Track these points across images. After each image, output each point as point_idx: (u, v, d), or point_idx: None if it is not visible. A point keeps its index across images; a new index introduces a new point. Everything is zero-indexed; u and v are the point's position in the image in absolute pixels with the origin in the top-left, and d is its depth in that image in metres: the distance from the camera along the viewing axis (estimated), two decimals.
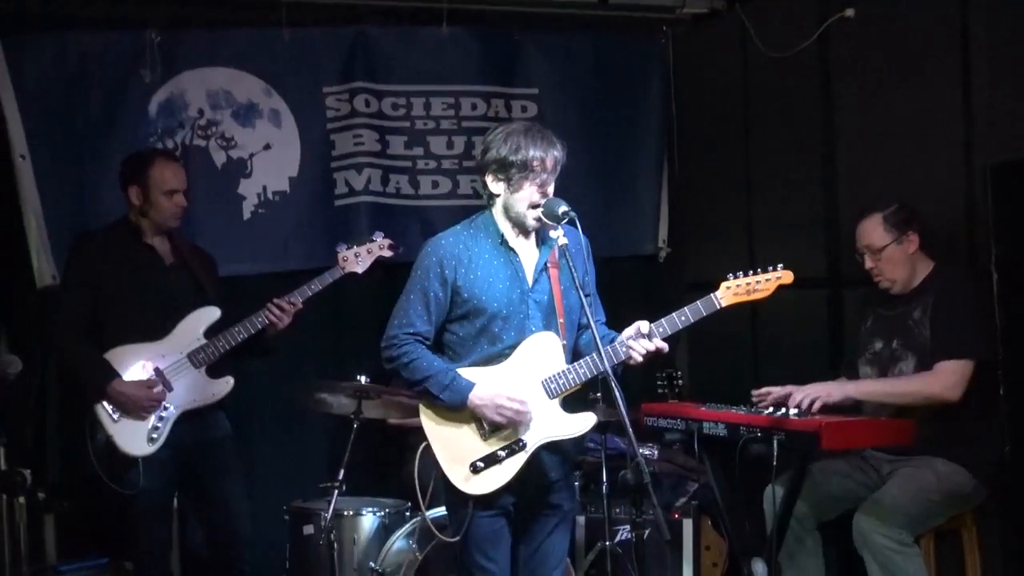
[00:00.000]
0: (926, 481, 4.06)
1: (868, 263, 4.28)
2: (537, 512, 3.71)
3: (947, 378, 4.04)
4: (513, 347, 3.60)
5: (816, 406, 4.05)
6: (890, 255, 4.23)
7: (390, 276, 5.26)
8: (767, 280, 3.67)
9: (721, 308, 3.63)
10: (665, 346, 3.58)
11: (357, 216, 5.55)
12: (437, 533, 3.74)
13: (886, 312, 4.33)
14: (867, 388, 4.20)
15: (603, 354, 3.44)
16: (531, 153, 3.55)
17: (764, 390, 4.21)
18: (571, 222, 3.55)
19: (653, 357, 3.58)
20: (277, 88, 5.48)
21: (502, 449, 3.58)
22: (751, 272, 3.67)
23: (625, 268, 5.87)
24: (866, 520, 4.01)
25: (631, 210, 5.97)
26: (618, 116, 5.93)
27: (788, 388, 4.16)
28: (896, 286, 4.27)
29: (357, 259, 4.64)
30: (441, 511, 3.93)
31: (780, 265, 3.69)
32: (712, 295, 3.63)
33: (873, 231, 4.24)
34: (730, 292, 3.65)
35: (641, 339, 3.54)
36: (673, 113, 6.02)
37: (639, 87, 5.97)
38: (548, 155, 3.57)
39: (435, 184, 5.70)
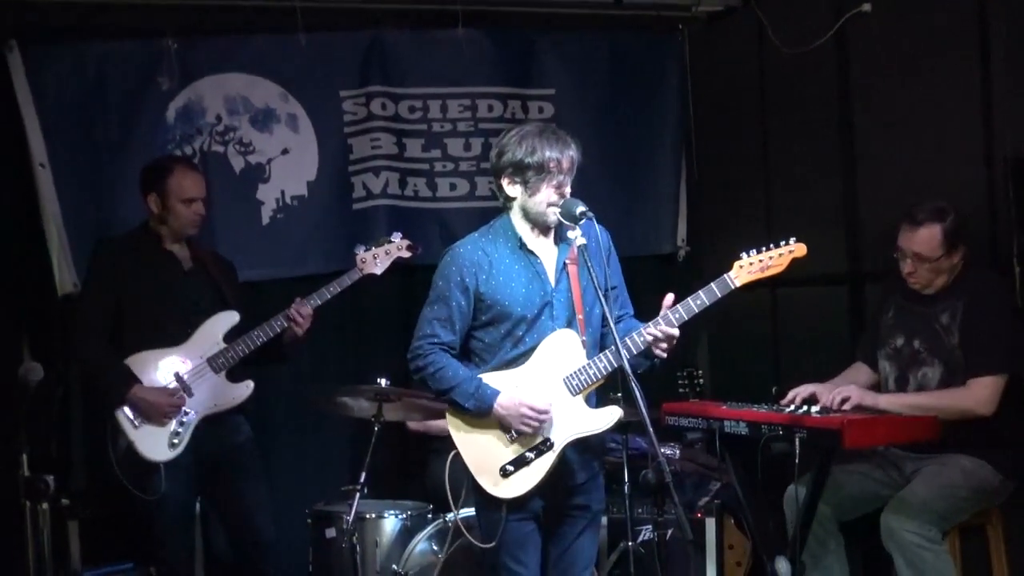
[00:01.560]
0: (953, 477, 4.03)
1: (908, 268, 4.16)
2: (566, 513, 3.70)
3: (981, 394, 3.99)
4: (534, 348, 3.60)
5: (847, 406, 4.01)
6: (938, 266, 4.13)
7: (410, 279, 5.29)
8: (780, 255, 3.62)
9: (736, 288, 3.59)
10: (675, 330, 3.54)
11: (375, 219, 5.55)
12: (469, 537, 3.73)
13: (910, 306, 4.28)
14: (899, 402, 4.09)
15: (620, 346, 3.42)
16: (547, 154, 3.54)
17: (791, 394, 4.16)
18: (589, 220, 3.53)
19: (671, 344, 3.56)
20: (294, 93, 5.49)
21: (530, 450, 3.58)
22: (764, 248, 3.63)
23: (644, 267, 5.84)
24: (894, 518, 3.98)
25: (649, 210, 5.95)
26: (635, 115, 5.91)
27: (815, 387, 4.13)
28: (929, 290, 4.20)
29: (375, 260, 4.65)
30: (466, 512, 3.93)
31: (793, 239, 3.64)
32: (726, 275, 3.59)
33: (929, 242, 4.10)
34: (744, 270, 3.60)
35: (656, 326, 3.53)
36: (690, 112, 6.00)
37: (655, 86, 5.95)
38: (564, 156, 3.56)
39: (453, 186, 5.70)
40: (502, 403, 3.54)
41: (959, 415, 4.00)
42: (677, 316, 3.57)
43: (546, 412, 3.55)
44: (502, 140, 3.63)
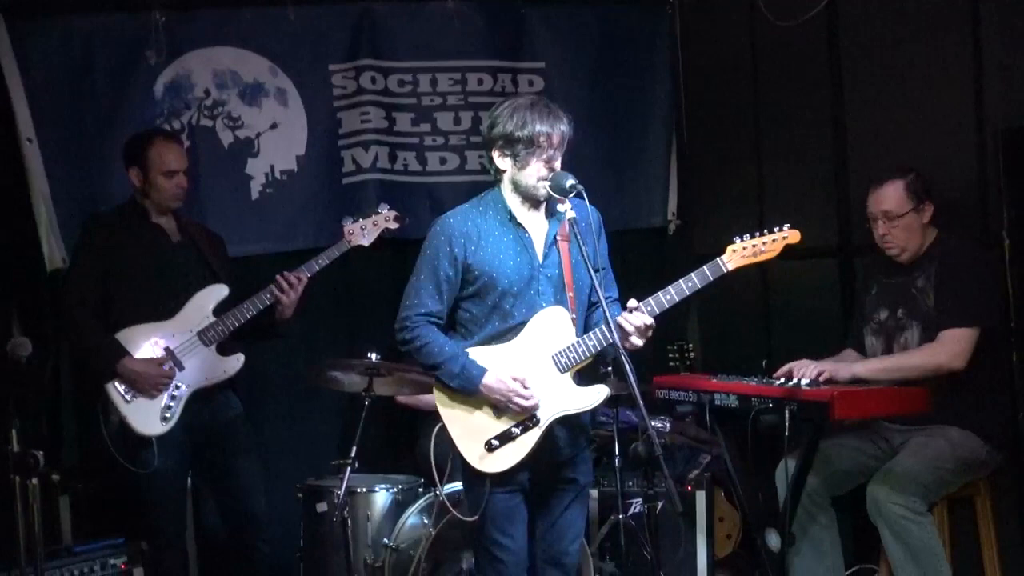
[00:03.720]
0: (939, 449, 4.05)
1: (881, 229, 4.24)
2: (553, 487, 3.72)
3: (952, 347, 4.01)
4: (524, 323, 3.60)
5: (823, 377, 4.03)
6: (908, 223, 4.19)
7: (400, 253, 5.29)
8: (773, 240, 3.65)
9: (728, 272, 3.61)
10: (651, 320, 3.53)
11: (365, 193, 5.53)
12: (455, 512, 3.75)
13: (889, 280, 4.31)
14: (873, 367, 4.14)
15: (612, 325, 3.42)
16: (538, 128, 3.53)
17: (784, 369, 4.18)
18: (579, 195, 3.53)
19: (646, 333, 3.54)
20: (283, 67, 5.46)
21: (516, 426, 3.58)
22: (757, 233, 3.65)
23: (635, 241, 5.86)
24: (880, 490, 4.00)
25: (640, 183, 5.94)
26: (626, 88, 5.89)
27: (795, 365, 4.15)
28: (905, 255, 4.24)
29: (363, 232, 4.64)
30: (455, 486, 3.94)
31: (787, 225, 3.66)
32: (719, 259, 3.61)
33: (894, 197, 4.20)
34: (736, 255, 3.63)
35: (629, 314, 3.52)
36: (681, 84, 5.99)
37: (646, 59, 5.93)
38: (555, 130, 3.55)
39: (443, 160, 5.69)
40: (488, 383, 3.55)
41: (932, 371, 4.02)
42: (668, 298, 3.57)
43: (533, 396, 3.55)
44: (494, 112, 3.62)
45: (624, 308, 3.59)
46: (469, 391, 3.57)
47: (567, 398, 3.61)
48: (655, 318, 3.56)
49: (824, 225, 5.08)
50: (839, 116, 5.06)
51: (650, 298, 3.58)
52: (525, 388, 3.54)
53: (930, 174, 4.25)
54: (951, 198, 4.29)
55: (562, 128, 3.57)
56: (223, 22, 5.40)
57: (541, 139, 3.54)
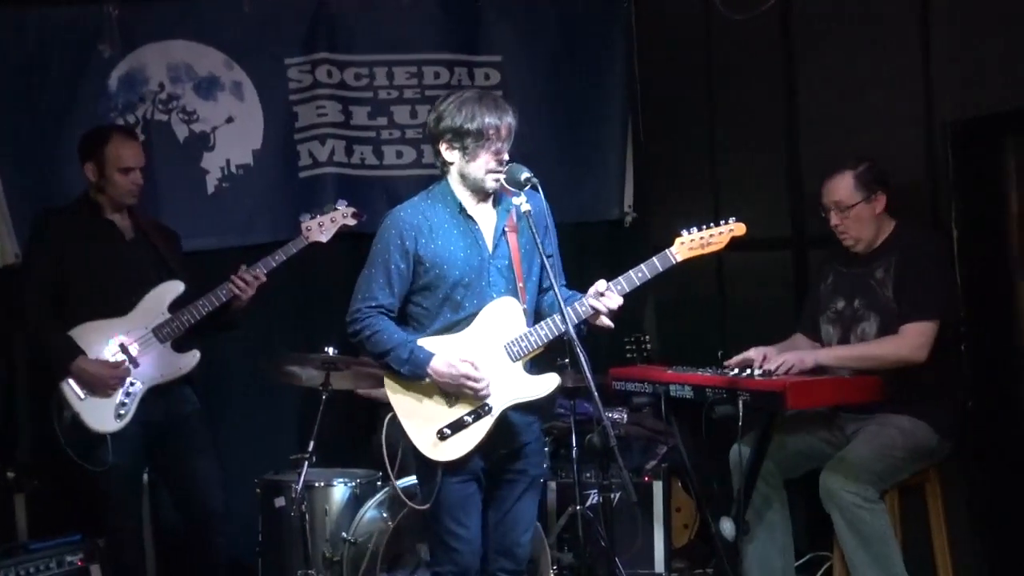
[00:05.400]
0: (891, 438, 4.10)
1: (834, 220, 4.29)
2: (505, 477, 3.73)
3: (914, 340, 4.06)
4: (475, 314, 3.61)
5: (791, 370, 4.06)
6: (858, 213, 4.24)
7: (357, 247, 5.24)
8: (720, 233, 3.72)
9: (677, 263, 3.66)
10: (620, 300, 3.58)
11: (322, 187, 5.53)
12: (407, 501, 3.76)
13: (847, 270, 4.36)
14: (837, 354, 4.20)
15: (565, 314, 3.44)
16: (486, 121, 3.54)
17: (737, 358, 4.22)
18: (533, 187, 3.54)
19: (616, 315, 3.59)
20: (238, 60, 5.44)
21: (469, 414, 3.60)
22: (705, 226, 3.70)
23: (591, 233, 5.89)
24: (832, 478, 4.05)
25: (596, 175, 5.97)
26: (582, 82, 5.92)
27: (755, 352, 4.18)
28: (860, 245, 4.29)
29: (321, 228, 4.63)
30: (411, 480, 3.94)
31: (732, 218, 3.72)
32: (667, 250, 3.67)
33: (843, 188, 4.25)
34: (684, 247, 3.68)
35: (600, 297, 3.56)
36: (637, 78, 6.02)
37: (602, 52, 5.95)
38: (503, 122, 3.57)
39: (399, 154, 5.69)
40: (436, 368, 3.55)
41: (893, 363, 4.07)
42: (619, 288, 3.60)
43: (483, 380, 3.55)
44: (441, 106, 3.63)
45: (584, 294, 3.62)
46: (418, 376, 3.58)
47: (520, 387, 3.63)
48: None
49: (777, 217, 5.13)
50: (792, 109, 5.11)
51: (619, 277, 3.61)
52: (475, 370, 3.55)
53: (881, 166, 4.31)
54: (901, 190, 4.34)
55: (509, 120, 3.59)
56: (178, 15, 5.38)
57: (490, 131, 3.55)
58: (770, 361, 4.11)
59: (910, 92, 4.47)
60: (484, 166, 3.58)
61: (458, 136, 3.57)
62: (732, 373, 4.08)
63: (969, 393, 4.25)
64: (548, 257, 3.60)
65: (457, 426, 3.59)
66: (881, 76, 4.62)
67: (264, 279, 4.53)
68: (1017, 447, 4.29)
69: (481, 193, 3.65)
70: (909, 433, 4.10)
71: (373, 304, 3.61)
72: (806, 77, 5.05)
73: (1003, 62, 4.13)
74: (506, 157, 3.60)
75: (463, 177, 3.64)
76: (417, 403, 3.64)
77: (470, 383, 3.55)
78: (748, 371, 4.07)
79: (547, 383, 3.64)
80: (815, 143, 5.00)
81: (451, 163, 3.64)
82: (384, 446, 3.73)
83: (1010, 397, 4.31)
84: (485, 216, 3.67)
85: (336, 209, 4.66)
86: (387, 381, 3.69)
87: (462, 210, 3.64)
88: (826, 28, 4.90)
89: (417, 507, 3.70)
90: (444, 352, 3.57)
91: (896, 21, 4.54)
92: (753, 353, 4.18)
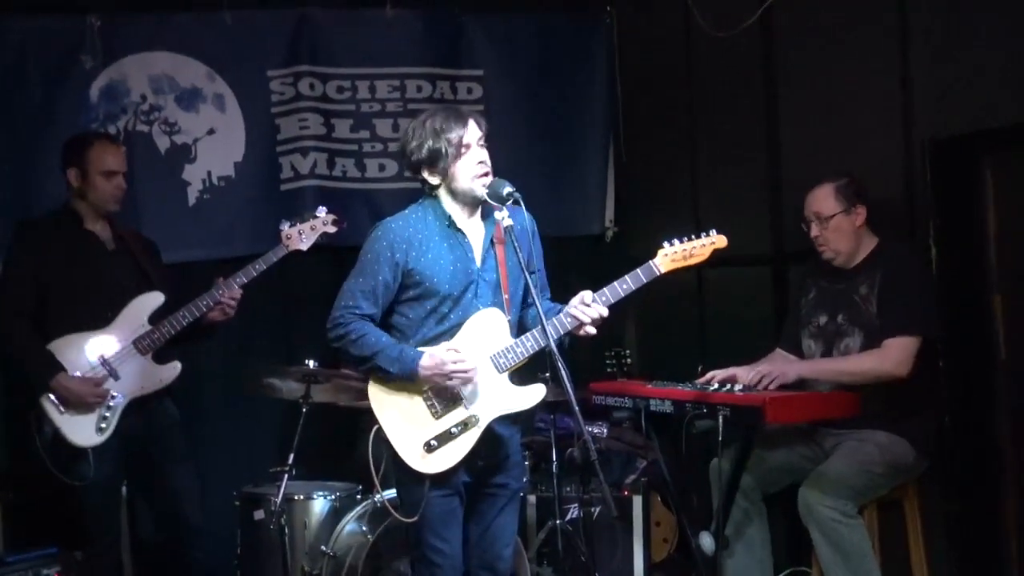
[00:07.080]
0: (869, 453, 4.12)
1: (814, 231, 4.33)
2: (487, 491, 3.73)
3: (896, 355, 4.09)
4: (459, 325, 3.61)
5: (772, 386, 4.09)
6: (837, 225, 4.28)
7: (338, 259, 5.26)
8: (702, 245, 3.74)
9: (661, 274, 3.68)
10: (606, 311, 3.59)
11: (303, 200, 5.52)
12: (395, 513, 3.72)
13: (830, 286, 4.39)
14: (819, 367, 4.24)
15: (548, 327, 3.45)
16: (453, 134, 3.57)
17: (708, 375, 4.24)
18: (516, 202, 3.56)
19: (599, 324, 3.61)
20: (221, 72, 5.45)
21: (455, 426, 3.59)
22: (687, 238, 3.73)
23: (572, 248, 5.90)
24: (811, 493, 4.07)
25: (578, 190, 5.99)
26: (564, 96, 5.95)
27: (735, 370, 4.20)
28: (839, 258, 4.32)
29: (301, 236, 4.58)
30: (393, 493, 3.93)
31: (714, 231, 3.75)
32: (651, 262, 3.68)
33: (824, 199, 4.29)
34: (668, 258, 3.70)
35: (585, 307, 3.57)
36: (619, 93, 6.04)
37: (584, 67, 5.99)
38: (468, 127, 3.59)
39: (382, 167, 5.70)
40: (425, 364, 3.54)
41: (876, 377, 4.10)
42: (604, 299, 3.62)
43: (471, 368, 3.54)
44: (407, 137, 3.64)
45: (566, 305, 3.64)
46: (408, 374, 3.56)
47: (507, 398, 3.63)
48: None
49: (758, 233, 5.15)
50: (773, 125, 5.14)
51: (604, 289, 3.63)
52: (458, 353, 3.53)
53: (861, 181, 4.34)
54: (880, 206, 4.37)
55: (473, 123, 3.61)
56: (160, 27, 5.38)
57: (461, 141, 3.57)
58: (745, 377, 4.13)
59: (889, 110, 4.51)
60: (469, 175, 3.60)
61: (432, 159, 3.59)
62: (712, 388, 4.10)
63: (946, 409, 4.28)
64: (532, 274, 3.60)
65: (444, 438, 3.59)
66: (861, 94, 4.66)
67: (239, 295, 4.50)
68: (993, 463, 4.32)
69: (472, 204, 3.66)
70: (887, 449, 4.13)
71: (357, 312, 3.60)
72: (787, 94, 5.08)
73: (980, 82, 4.17)
74: (487, 159, 3.62)
75: (453, 193, 3.65)
76: (403, 415, 3.63)
77: (458, 366, 3.53)
78: (728, 386, 4.08)
79: (534, 394, 3.65)
80: (795, 160, 5.04)
81: (436, 184, 3.65)
82: (370, 458, 3.72)
83: (987, 413, 4.35)
84: (474, 229, 3.68)
85: (316, 216, 4.60)
86: (372, 393, 3.67)
87: (452, 223, 3.65)
88: (806, 46, 4.94)
89: (405, 520, 3.67)
90: (432, 350, 3.57)
91: (876, 40, 4.59)
92: (721, 373, 4.20)
